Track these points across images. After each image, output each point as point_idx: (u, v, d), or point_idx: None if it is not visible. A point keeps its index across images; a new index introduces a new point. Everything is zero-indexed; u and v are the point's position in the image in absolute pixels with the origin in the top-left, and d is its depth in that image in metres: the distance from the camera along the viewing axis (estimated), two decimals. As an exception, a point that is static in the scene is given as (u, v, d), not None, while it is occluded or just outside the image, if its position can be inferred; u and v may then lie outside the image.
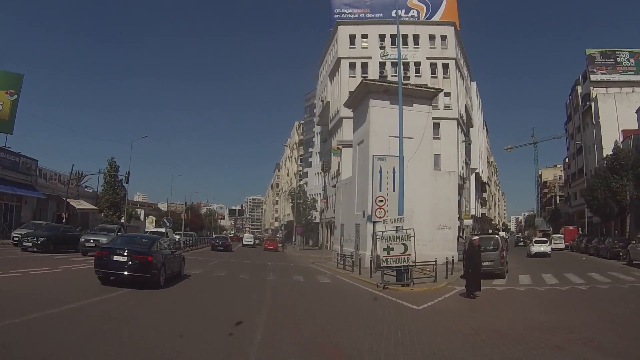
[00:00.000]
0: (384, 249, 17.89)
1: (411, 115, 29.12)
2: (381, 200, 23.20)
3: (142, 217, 77.61)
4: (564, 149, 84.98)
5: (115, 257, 12.77)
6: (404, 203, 22.31)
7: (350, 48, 52.30)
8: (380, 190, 23.38)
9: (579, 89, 71.59)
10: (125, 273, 12.66)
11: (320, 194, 66.81)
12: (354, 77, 50.91)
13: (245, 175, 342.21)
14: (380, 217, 23.15)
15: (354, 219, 29.43)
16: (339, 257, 27.12)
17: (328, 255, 37.84)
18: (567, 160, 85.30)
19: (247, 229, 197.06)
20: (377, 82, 29.50)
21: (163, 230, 27.12)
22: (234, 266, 25.88)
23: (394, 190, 23.56)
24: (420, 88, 30.09)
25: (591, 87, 65.85)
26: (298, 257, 42.35)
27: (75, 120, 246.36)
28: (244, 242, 65.72)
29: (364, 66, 51.37)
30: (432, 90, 29.95)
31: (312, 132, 74.40)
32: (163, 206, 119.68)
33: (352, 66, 51.56)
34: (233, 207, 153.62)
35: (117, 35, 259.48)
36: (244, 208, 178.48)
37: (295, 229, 53.43)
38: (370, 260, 21.92)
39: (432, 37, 52.23)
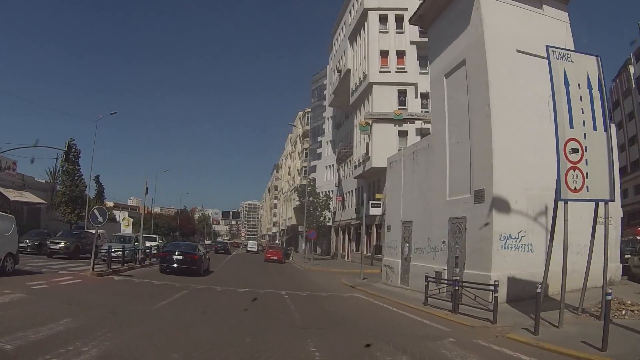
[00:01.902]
0: None
1: (540, 22, 15.24)
2: (575, 150, 9.15)
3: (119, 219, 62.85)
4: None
5: (174, 256, 18.52)
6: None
7: (380, -4, 38.38)
8: (571, 127, 9.24)
9: (631, 69, 58.53)
10: (177, 265, 18.16)
11: (332, 190, 52.45)
12: (386, 32, 37.10)
13: (241, 181, 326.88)
14: (577, 191, 9.06)
15: (441, 211, 15.22)
16: (427, 282, 12.85)
17: (369, 270, 23.46)
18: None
19: (243, 234, 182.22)
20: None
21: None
22: (215, 313, 11.53)
23: (595, 129, 9.55)
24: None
25: (648, 65, 52.91)
26: (318, 274, 27.90)
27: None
28: (248, 249, 63.51)
29: (399, 20, 37.39)
30: (572, -16, 16.00)
31: (322, 117, 60.15)
32: (156, 210, 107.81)
33: (383, 20, 37.56)
34: (227, 210, 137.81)
35: (110, 39, 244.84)
36: (239, 211, 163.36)
37: (307, 233, 38.77)
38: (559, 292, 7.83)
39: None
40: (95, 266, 15.54)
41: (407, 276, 17.64)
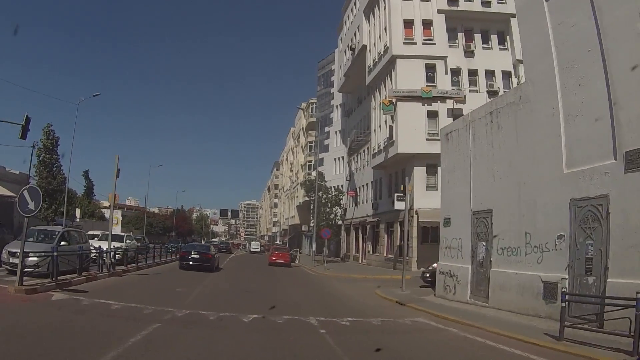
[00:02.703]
0: None
1: None
2: None
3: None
4: None
5: (191, 255, 21.87)
6: None
7: (402, -41, 33.15)
8: None
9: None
10: (195, 263, 21.54)
11: (342, 185, 47.14)
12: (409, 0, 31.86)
13: (239, 181, 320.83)
14: None
15: (554, 191, 10.00)
16: (566, 301, 7.68)
17: (391, 275, 18.15)
18: None
19: (242, 235, 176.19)
20: None
21: None
22: None
23: None
24: None
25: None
26: (338, 282, 22.58)
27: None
28: (252, 249, 61.70)
29: (424, -14, 32.27)
30: None
31: (330, 106, 54.83)
32: (154, 210, 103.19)
33: (407, -15, 32.39)
34: (225, 208, 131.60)
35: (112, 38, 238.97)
36: (238, 210, 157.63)
37: (321, 232, 33.29)
38: None
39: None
40: (27, 278, 10.19)
41: (482, 288, 12.38)
